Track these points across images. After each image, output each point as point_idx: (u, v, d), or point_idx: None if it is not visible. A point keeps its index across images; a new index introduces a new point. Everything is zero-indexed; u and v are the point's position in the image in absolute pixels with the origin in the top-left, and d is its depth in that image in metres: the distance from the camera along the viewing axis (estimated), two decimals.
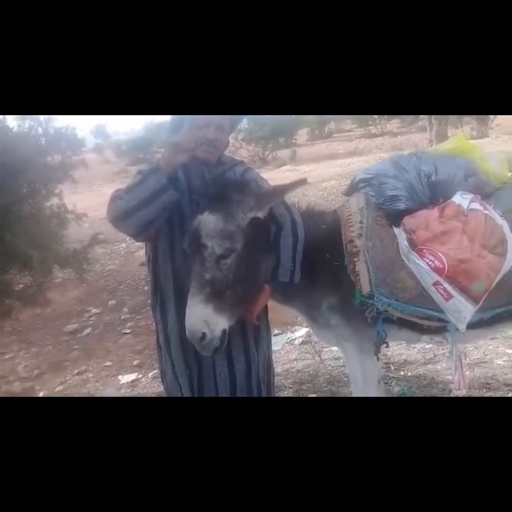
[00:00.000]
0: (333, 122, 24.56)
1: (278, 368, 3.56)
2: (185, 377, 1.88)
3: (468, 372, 2.75)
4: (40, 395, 3.91)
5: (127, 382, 3.87)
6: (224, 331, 1.72)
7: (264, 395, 1.99)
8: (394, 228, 1.89)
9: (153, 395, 3.44)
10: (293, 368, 3.55)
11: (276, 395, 2.30)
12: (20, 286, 3.85)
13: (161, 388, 2.15)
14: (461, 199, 1.83)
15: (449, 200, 1.85)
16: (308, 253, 1.91)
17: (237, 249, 1.74)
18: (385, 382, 2.79)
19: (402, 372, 3.14)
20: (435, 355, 3.27)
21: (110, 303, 5.74)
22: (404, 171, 1.92)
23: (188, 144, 1.78)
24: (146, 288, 2.30)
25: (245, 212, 1.76)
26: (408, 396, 2.79)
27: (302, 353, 3.76)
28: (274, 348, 3.80)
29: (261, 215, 1.78)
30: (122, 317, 5.34)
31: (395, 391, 2.90)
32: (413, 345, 3.34)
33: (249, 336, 1.95)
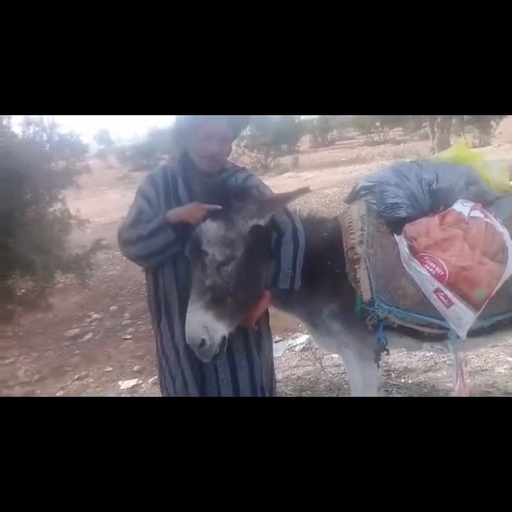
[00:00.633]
0: (336, 130, 24.68)
1: (278, 375, 3.55)
2: (194, 386, 1.87)
3: (468, 380, 2.74)
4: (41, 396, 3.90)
5: (127, 388, 3.86)
6: (223, 338, 1.73)
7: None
8: (395, 235, 1.90)
9: None
10: (293, 374, 3.54)
11: None
12: (23, 291, 3.86)
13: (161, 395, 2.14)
14: (462, 207, 1.84)
15: (449, 208, 1.86)
16: (309, 260, 1.91)
17: (237, 256, 1.75)
18: (386, 390, 2.79)
19: (402, 380, 3.13)
20: (436, 363, 3.26)
21: (111, 308, 5.74)
22: (405, 179, 1.93)
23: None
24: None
25: (246, 220, 1.77)
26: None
27: (303, 359, 3.76)
28: (274, 354, 3.81)
29: (262, 222, 1.79)
30: (123, 323, 5.33)
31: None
32: (414, 353, 3.33)
33: (251, 342, 1.95)
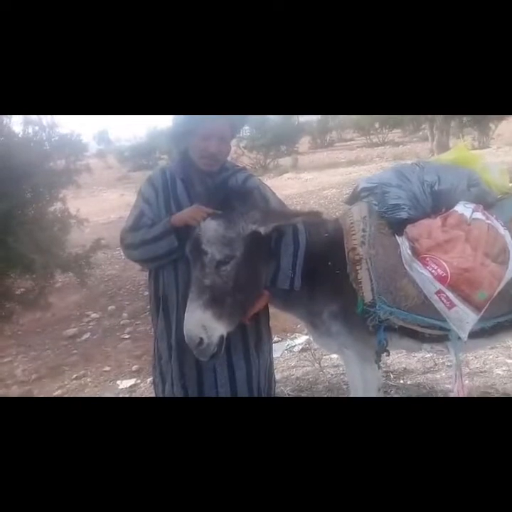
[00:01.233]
0: (335, 131, 24.72)
1: (277, 375, 3.53)
2: (180, 389, 1.88)
3: (467, 382, 2.75)
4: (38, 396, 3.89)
5: (126, 388, 3.86)
6: (222, 337, 1.74)
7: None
8: (397, 237, 1.90)
9: None
10: (292, 375, 3.54)
11: None
12: (21, 290, 3.85)
13: None
14: (464, 208, 1.84)
15: (451, 210, 1.86)
16: (310, 261, 1.92)
17: (236, 256, 1.75)
18: (385, 391, 2.78)
19: (401, 381, 3.13)
20: (435, 364, 3.26)
21: (110, 308, 5.73)
22: (407, 181, 1.93)
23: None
24: (146, 293, 2.32)
25: (248, 223, 1.77)
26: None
27: (301, 360, 3.76)
28: (273, 355, 3.80)
29: (263, 230, 1.78)
30: (121, 322, 5.32)
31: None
32: (413, 354, 3.33)
33: (250, 342, 1.95)
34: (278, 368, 3.69)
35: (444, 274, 1.72)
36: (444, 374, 3.11)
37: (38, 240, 3.20)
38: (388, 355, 1.93)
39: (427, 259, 1.77)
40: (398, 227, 1.90)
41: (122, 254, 2.17)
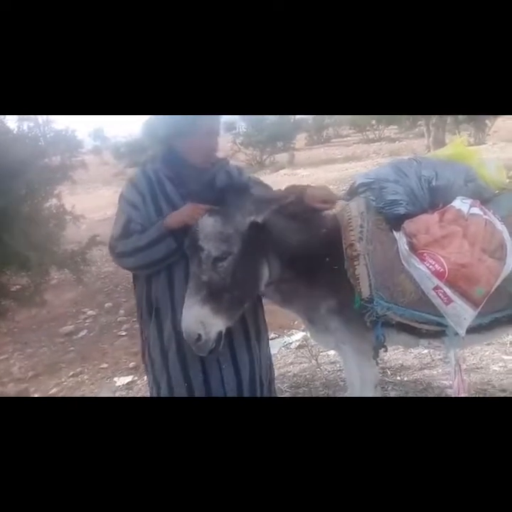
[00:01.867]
0: (331, 127, 24.69)
1: (274, 372, 3.56)
2: (183, 389, 1.86)
3: (466, 377, 2.75)
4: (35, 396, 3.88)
5: (123, 385, 3.85)
6: (220, 333, 1.74)
7: (266, 392, 2.00)
8: (394, 232, 1.89)
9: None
10: (289, 372, 3.54)
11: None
12: (17, 287, 3.84)
13: None
14: (461, 204, 1.84)
15: (449, 205, 1.86)
16: (307, 256, 1.91)
17: (234, 252, 1.75)
18: (382, 387, 2.78)
19: (398, 377, 3.14)
20: (432, 360, 3.27)
21: (106, 305, 5.72)
22: (404, 176, 1.93)
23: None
24: None
25: (245, 217, 1.77)
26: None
27: (298, 357, 3.76)
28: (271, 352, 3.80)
29: (260, 219, 1.78)
30: (118, 319, 5.31)
31: (392, 396, 2.89)
32: (410, 350, 3.34)
33: (251, 335, 1.95)
34: (275, 364, 3.65)
35: (442, 269, 1.72)
36: (440, 370, 3.12)
37: (33, 237, 3.18)
38: (386, 350, 1.94)
39: (425, 254, 1.77)
40: (396, 222, 1.90)
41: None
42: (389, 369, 3.23)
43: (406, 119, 19.10)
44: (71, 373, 4.23)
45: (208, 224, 1.74)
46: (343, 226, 1.95)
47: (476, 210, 1.82)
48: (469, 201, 1.86)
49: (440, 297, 1.75)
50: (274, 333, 4.35)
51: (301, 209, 1.88)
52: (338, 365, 3.32)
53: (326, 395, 3.08)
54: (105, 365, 4.31)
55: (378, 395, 2.07)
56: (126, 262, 1.89)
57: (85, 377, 4.17)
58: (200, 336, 1.70)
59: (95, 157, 23.61)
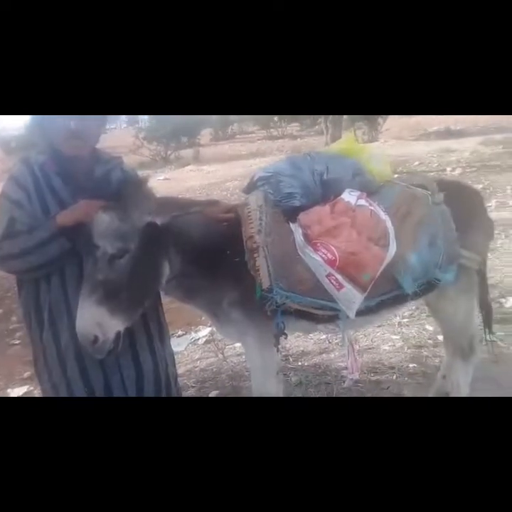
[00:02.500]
0: (237, 123, 24.96)
1: (181, 369, 3.54)
2: (83, 395, 1.79)
3: (358, 357, 2.94)
4: None
5: (18, 396, 3.62)
6: (118, 333, 1.70)
7: (174, 391, 2.00)
8: (290, 224, 1.97)
9: None
10: (196, 367, 3.55)
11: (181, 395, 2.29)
12: None
13: None
14: (350, 196, 1.96)
15: (338, 197, 1.98)
16: (209, 251, 1.93)
17: (131, 249, 1.71)
18: (284, 374, 2.90)
19: (299, 363, 3.27)
20: (330, 343, 3.45)
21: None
22: (299, 170, 2.01)
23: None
24: None
25: (142, 214, 1.74)
26: (305, 386, 2.94)
27: (206, 351, 3.78)
28: (177, 349, 3.79)
29: (159, 221, 1.76)
30: (10, 327, 4.96)
31: (293, 381, 3.02)
32: (310, 337, 3.50)
33: (153, 334, 1.93)
34: (182, 361, 3.68)
35: (333, 258, 1.83)
36: (337, 353, 3.30)
37: None
38: (286, 337, 2.01)
39: (318, 244, 1.86)
40: (292, 214, 1.98)
41: None
42: (291, 356, 3.36)
43: (306, 117, 19.87)
44: None
45: (102, 221, 1.67)
46: (243, 219, 1.99)
47: (362, 202, 1.95)
48: (357, 193, 1.98)
49: (332, 283, 1.85)
50: (182, 331, 4.34)
51: (202, 219, 1.92)
52: (243, 357, 3.39)
53: (231, 387, 3.14)
54: None
55: (280, 381, 2.14)
56: (12, 265, 1.75)
57: None
58: (96, 337, 1.64)
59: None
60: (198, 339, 4.12)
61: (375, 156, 2.18)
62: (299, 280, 1.93)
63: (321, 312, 1.97)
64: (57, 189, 1.76)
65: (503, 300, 3.77)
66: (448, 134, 15.16)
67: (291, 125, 22.13)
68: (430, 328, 3.47)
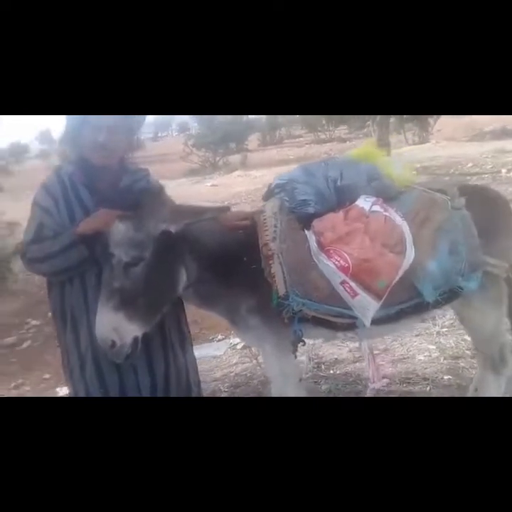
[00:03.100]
0: (284, 128, 24.99)
1: (218, 373, 3.61)
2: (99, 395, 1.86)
3: (391, 368, 2.86)
4: None
5: (65, 395, 3.80)
6: (136, 339, 1.76)
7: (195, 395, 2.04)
8: (305, 231, 1.97)
9: None
10: (232, 372, 3.59)
11: None
12: None
13: None
14: (364, 202, 1.93)
15: (353, 204, 1.95)
16: (226, 258, 1.96)
17: (145, 257, 1.77)
18: (315, 381, 2.87)
19: (331, 371, 3.22)
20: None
21: (50, 314, 5.59)
22: (313, 177, 2.01)
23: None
24: None
25: (157, 222, 1.79)
26: (334, 394, 2.88)
27: (242, 357, 3.81)
28: (216, 353, 3.84)
29: (173, 229, 1.80)
30: None
31: (323, 389, 2.98)
32: (345, 345, 3.44)
33: (171, 340, 1.98)
34: (220, 365, 3.74)
35: (346, 264, 1.81)
36: None
37: None
38: (304, 344, 2.01)
39: (331, 251, 1.85)
40: (306, 221, 1.97)
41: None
42: (324, 363, 3.31)
43: (356, 119, 19.59)
44: (13, 384, 4.13)
45: (119, 230, 1.74)
46: (259, 226, 2.01)
47: (377, 208, 1.91)
48: (372, 199, 1.95)
49: (347, 291, 1.83)
50: (221, 335, 4.40)
51: (217, 226, 1.95)
52: None
53: (260, 392, 3.13)
54: (48, 376, 4.23)
55: (302, 388, 2.14)
56: (37, 267, 1.88)
57: (27, 388, 4.08)
58: (114, 342, 1.72)
59: (43, 161, 22.73)
60: (237, 344, 4.16)
61: (395, 160, 2.14)
62: (315, 287, 1.92)
63: (339, 320, 1.95)
64: (84, 199, 1.86)
65: None
66: (503, 133, 14.40)
67: (339, 128, 21.87)
68: (469, 338, 3.32)
